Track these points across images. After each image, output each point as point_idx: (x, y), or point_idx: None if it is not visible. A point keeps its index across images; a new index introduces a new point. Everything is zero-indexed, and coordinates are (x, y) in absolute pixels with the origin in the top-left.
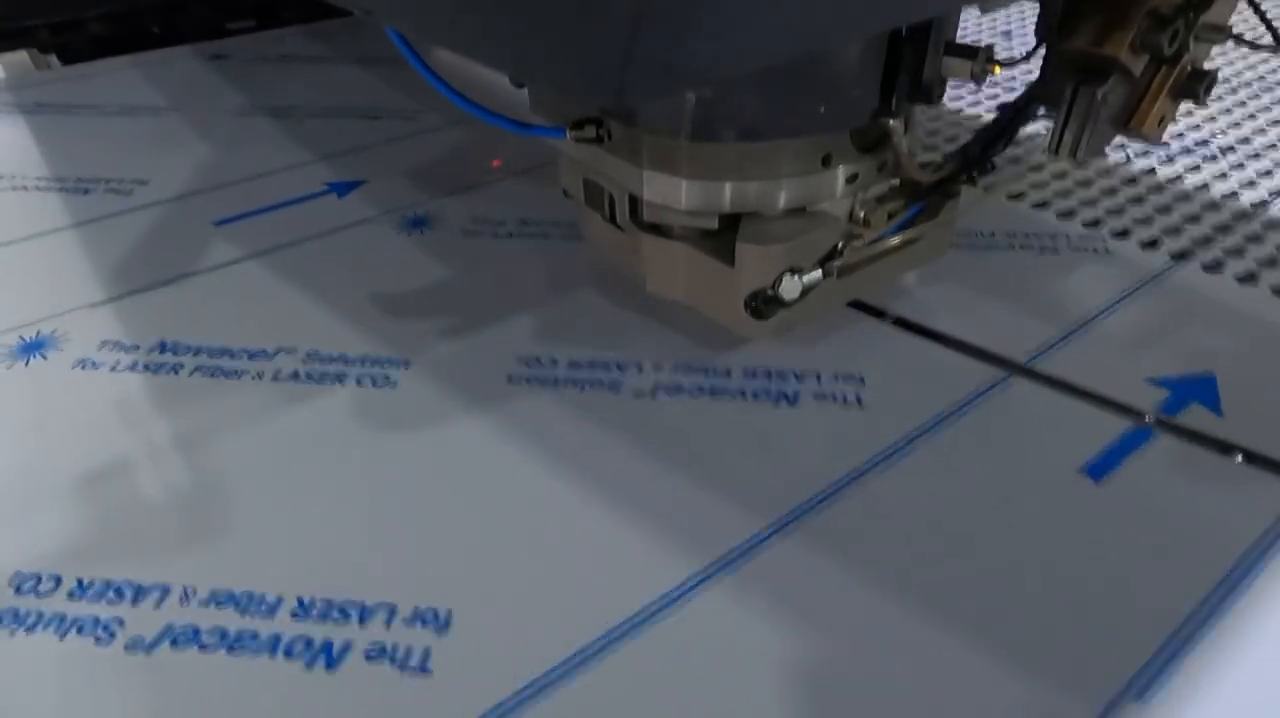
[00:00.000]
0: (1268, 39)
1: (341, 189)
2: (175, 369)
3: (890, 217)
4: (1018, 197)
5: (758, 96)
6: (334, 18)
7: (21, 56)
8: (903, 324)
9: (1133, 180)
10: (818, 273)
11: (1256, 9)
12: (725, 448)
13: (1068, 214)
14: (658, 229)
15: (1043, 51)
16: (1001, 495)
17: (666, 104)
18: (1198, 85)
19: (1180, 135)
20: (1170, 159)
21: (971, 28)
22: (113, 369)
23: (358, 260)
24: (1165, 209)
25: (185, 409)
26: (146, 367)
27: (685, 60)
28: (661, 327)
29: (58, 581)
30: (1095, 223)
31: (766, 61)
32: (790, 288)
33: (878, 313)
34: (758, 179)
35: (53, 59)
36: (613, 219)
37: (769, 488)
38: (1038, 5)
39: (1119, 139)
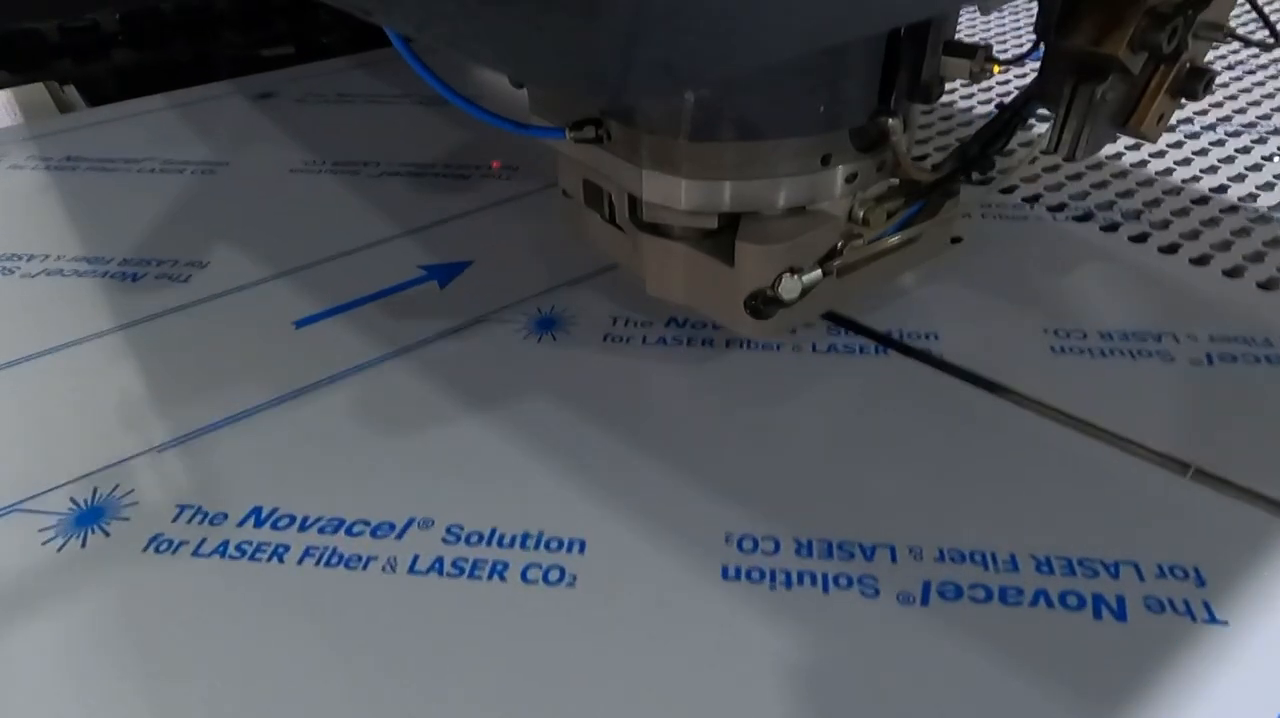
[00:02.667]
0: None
1: (442, 275)
2: (280, 554)
3: (890, 216)
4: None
5: (757, 96)
6: (382, 46)
7: (39, 92)
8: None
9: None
10: (817, 272)
11: (1256, 6)
12: None
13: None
14: (657, 229)
15: (1041, 50)
16: None
17: (666, 103)
18: (1196, 83)
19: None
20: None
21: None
22: (197, 552)
23: (481, 383)
24: None
25: (307, 635)
26: (242, 549)
27: (685, 60)
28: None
29: None
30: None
31: (766, 61)
32: (790, 287)
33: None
34: (757, 178)
35: (72, 91)
36: (612, 219)
37: None
38: (1036, 4)
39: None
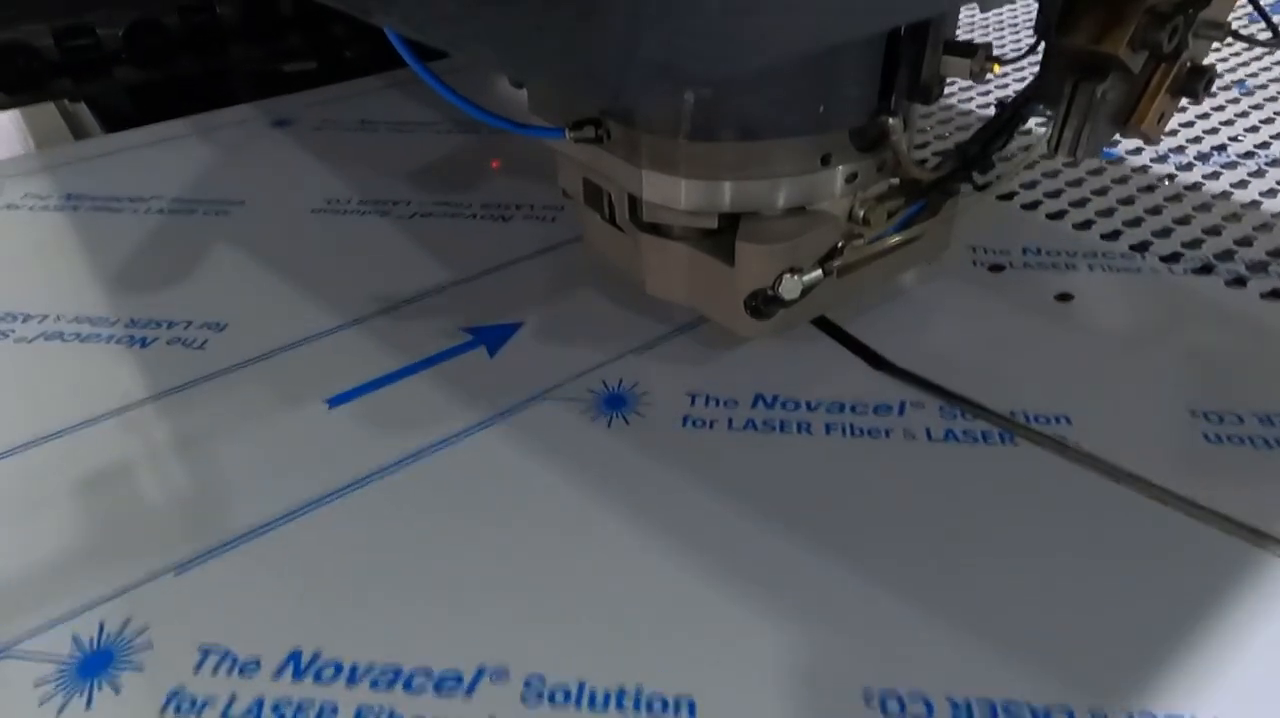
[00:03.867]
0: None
1: (491, 340)
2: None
3: (890, 215)
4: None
5: (757, 95)
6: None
7: (50, 112)
8: None
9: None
10: (818, 272)
11: (1256, 5)
12: None
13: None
14: (657, 229)
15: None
16: None
17: (665, 103)
18: (1197, 82)
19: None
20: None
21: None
22: (231, 705)
23: (546, 482)
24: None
25: None
26: (280, 712)
27: (684, 60)
28: None
29: None
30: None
31: (766, 61)
32: (790, 287)
33: None
34: (757, 178)
35: (83, 109)
36: (612, 220)
37: None
38: (1036, 3)
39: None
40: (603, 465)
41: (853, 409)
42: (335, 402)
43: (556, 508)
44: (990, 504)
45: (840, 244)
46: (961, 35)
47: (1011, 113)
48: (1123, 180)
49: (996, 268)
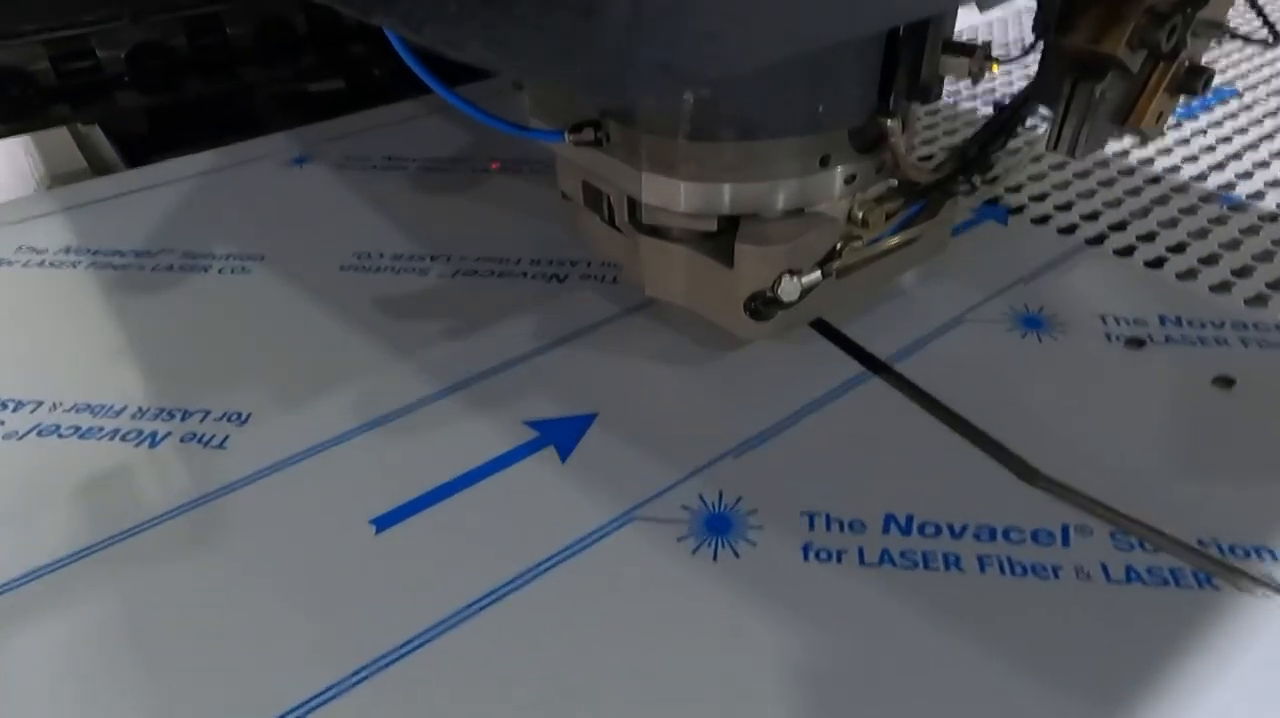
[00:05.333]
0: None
1: (561, 437)
2: None
3: (889, 217)
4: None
5: (756, 96)
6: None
7: (64, 139)
8: None
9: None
10: (817, 274)
11: (1255, 5)
12: None
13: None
14: (656, 231)
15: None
16: None
17: (664, 104)
18: (1196, 81)
19: None
20: None
21: None
22: None
23: (640, 637)
24: None
25: None
26: None
27: (684, 60)
28: None
29: None
30: None
31: (765, 61)
32: (789, 289)
33: None
34: (756, 180)
35: (97, 133)
36: (611, 222)
37: None
38: (1035, 3)
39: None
40: (714, 619)
41: (1006, 536)
42: (382, 523)
43: (658, 674)
44: (1203, 679)
45: (839, 246)
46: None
47: (1010, 113)
48: (1252, 231)
49: (1135, 342)
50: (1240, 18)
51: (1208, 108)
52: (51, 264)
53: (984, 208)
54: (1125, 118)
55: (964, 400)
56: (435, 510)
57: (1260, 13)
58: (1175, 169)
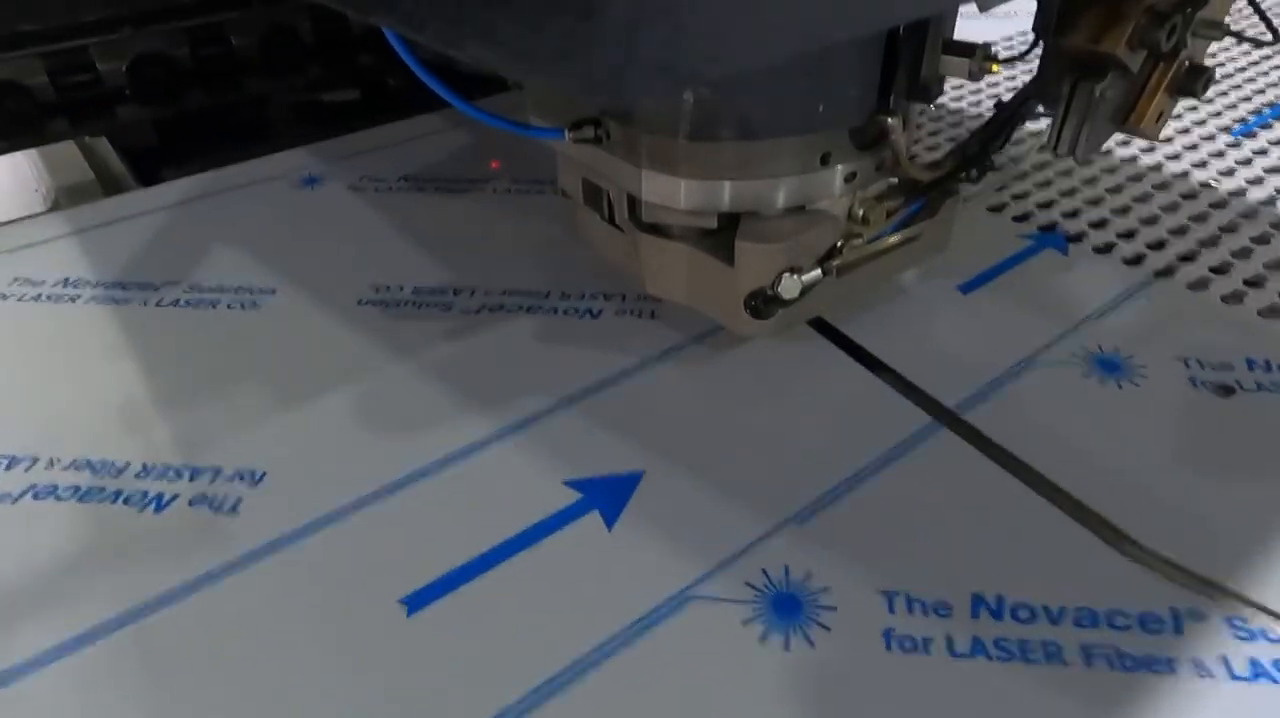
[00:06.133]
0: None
1: (605, 501)
2: None
3: (889, 215)
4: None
5: (756, 95)
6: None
7: (70, 151)
8: None
9: None
10: (817, 272)
11: (1254, 4)
12: None
13: None
14: (656, 229)
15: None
16: None
17: (665, 103)
18: (1195, 81)
19: None
20: None
21: None
22: None
23: None
24: None
25: None
26: None
27: (684, 60)
28: None
29: None
30: None
31: (765, 60)
32: (790, 287)
33: None
34: (756, 178)
35: (105, 145)
36: (612, 220)
37: None
38: (1035, 3)
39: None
40: None
41: (1111, 622)
42: (413, 604)
43: None
44: None
45: (839, 243)
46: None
47: (1010, 112)
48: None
49: (1224, 389)
50: (1242, 19)
51: (1265, 124)
52: (49, 298)
53: (1041, 235)
54: (1125, 118)
55: (1043, 455)
56: (470, 589)
57: (1260, 12)
58: (1241, 193)
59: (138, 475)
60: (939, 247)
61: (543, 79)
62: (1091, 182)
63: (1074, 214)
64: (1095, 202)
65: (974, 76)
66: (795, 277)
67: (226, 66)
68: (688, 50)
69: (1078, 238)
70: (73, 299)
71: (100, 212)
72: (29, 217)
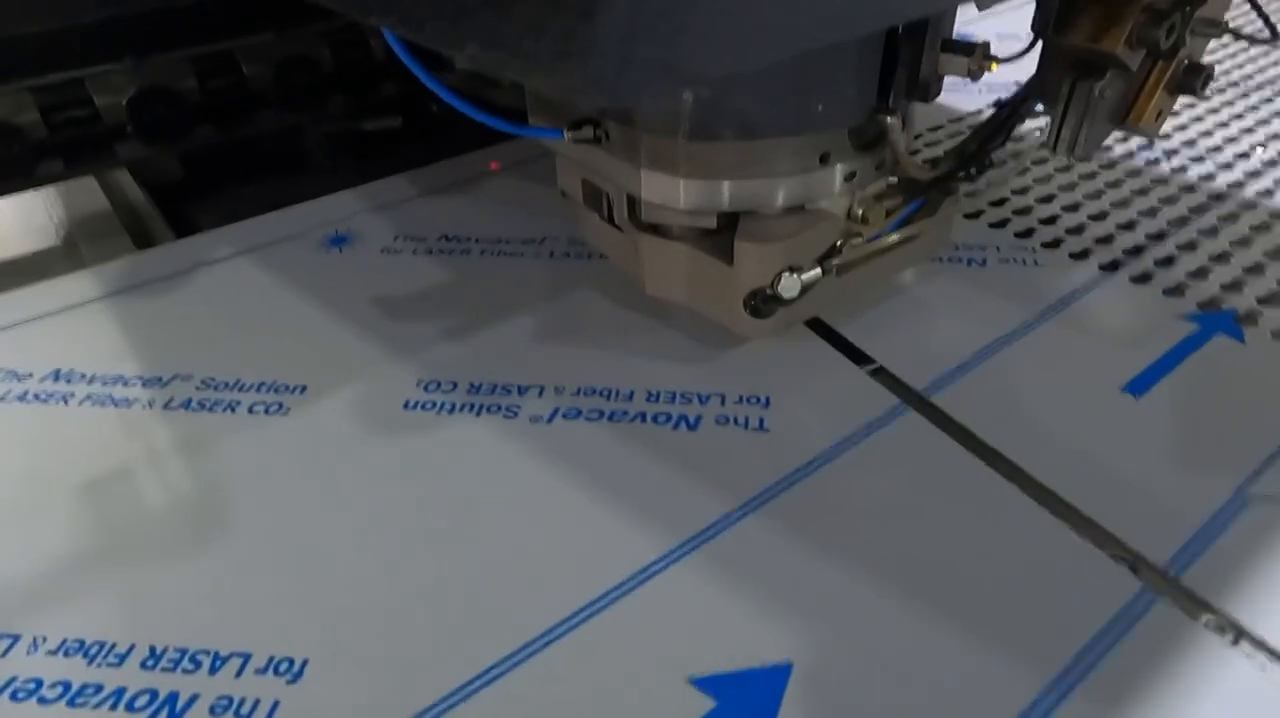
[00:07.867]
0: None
1: (747, 708)
2: None
3: (889, 214)
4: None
5: (755, 95)
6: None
7: (91, 191)
8: None
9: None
10: (817, 271)
11: (1254, 3)
12: None
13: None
14: (656, 229)
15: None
16: None
17: (664, 103)
18: (1195, 79)
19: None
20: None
21: None
22: None
23: None
24: None
25: None
26: None
27: (683, 60)
28: None
29: None
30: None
31: (764, 60)
32: (789, 286)
33: None
34: (756, 177)
35: (125, 178)
36: (611, 220)
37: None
38: (1034, 1)
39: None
40: None
41: None
42: None
43: None
44: None
45: (839, 243)
46: None
47: (1010, 111)
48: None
49: None
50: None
51: None
52: (37, 396)
53: (1202, 316)
54: (1125, 117)
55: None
56: None
57: (1260, 11)
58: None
59: (143, 666)
60: (939, 246)
61: (542, 79)
62: (1244, 243)
63: (1236, 286)
64: (1255, 269)
65: (973, 75)
66: (795, 276)
67: (239, 97)
68: (687, 50)
69: (1250, 318)
70: (65, 400)
71: (94, 281)
72: (12, 296)
